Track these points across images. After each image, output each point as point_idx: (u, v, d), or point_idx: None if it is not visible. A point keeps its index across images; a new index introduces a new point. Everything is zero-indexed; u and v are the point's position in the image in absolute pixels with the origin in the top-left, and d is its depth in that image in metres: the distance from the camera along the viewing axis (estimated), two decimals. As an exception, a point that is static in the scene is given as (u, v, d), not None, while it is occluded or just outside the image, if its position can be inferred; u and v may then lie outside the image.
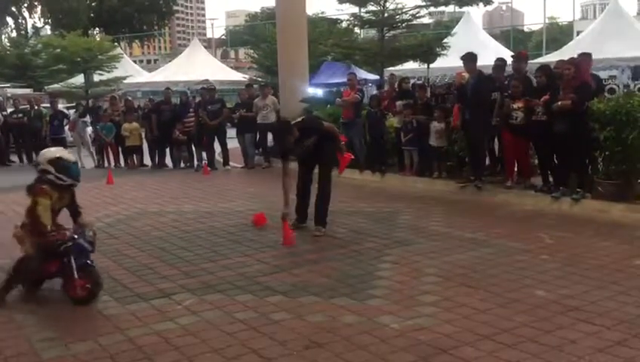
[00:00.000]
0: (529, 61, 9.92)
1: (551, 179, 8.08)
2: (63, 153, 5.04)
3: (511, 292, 4.71)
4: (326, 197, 6.93)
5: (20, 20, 54.08)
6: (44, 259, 4.79)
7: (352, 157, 7.75)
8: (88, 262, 4.86)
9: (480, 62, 8.86)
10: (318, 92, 17.32)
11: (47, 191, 4.80)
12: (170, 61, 36.77)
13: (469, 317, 4.24)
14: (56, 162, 4.86)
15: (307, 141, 6.76)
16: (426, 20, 23.94)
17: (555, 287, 4.78)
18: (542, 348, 3.70)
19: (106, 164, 14.39)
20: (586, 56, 8.24)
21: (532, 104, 7.93)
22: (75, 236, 4.84)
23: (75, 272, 4.70)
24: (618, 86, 18.60)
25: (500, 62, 9.06)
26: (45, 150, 5.16)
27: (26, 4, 53.00)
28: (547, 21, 43.85)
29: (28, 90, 27.36)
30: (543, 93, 7.84)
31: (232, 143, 13.51)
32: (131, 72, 29.72)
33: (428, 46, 20.14)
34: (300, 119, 7.18)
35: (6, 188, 11.33)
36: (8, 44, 32.14)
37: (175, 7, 67.28)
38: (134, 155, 14.10)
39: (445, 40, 20.92)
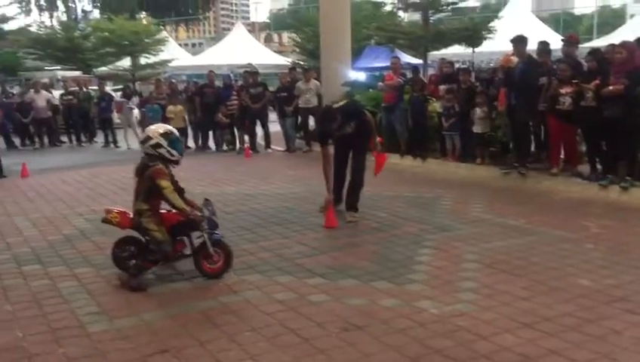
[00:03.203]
0: (579, 45, 9.62)
1: (599, 166, 7.86)
2: (170, 127, 4.95)
3: (553, 280, 4.63)
4: (358, 185, 6.84)
5: (70, 4, 55.37)
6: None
7: (387, 158, 7.56)
8: (217, 234, 4.92)
9: (528, 47, 8.65)
10: (361, 76, 17.21)
11: (165, 172, 4.70)
12: (214, 44, 37.07)
13: (509, 304, 4.19)
14: (168, 136, 4.78)
15: (347, 127, 6.71)
16: (473, 3, 23.44)
17: (599, 277, 4.67)
18: (584, 338, 3.63)
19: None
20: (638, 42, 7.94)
21: (582, 88, 7.70)
22: (207, 212, 4.87)
23: (211, 247, 4.81)
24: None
25: (544, 46, 8.78)
26: (152, 126, 5.00)
27: (75, -12, 54.21)
28: (599, 4, 42.42)
29: (77, 73, 28.08)
30: (593, 78, 7.60)
31: (274, 127, 13.57)
32: (176, 55, 30.12)
33: (474, 29, 19.78)
34: (342, 103, 7.12)
35: (54, 168, 11.72)
36: (59, 28, 32.86)
37: (219, -9, 67.69)
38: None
39: (492, 23, 20.50)
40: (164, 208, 4.90)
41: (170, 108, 14.02)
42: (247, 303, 4.35)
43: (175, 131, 4.94)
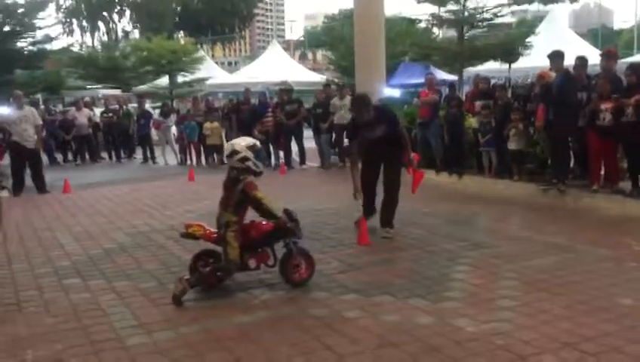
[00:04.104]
0: (618, 59, 9.44)
1: (641, 183, 7.66)
2: (255, 140, 5.06)
3: (595, 299, 4.51)
4: (393, 201, 6.74)
5: (110, 25, 56.97)
6: (249, 254, 4.93)
7: (425, 174, 7.49)
8: (297, 242, 5.05)
9: (566, 62, 8.55)
10: (396, 93, 17.20)
11: (256, 184, 4.87)
12: (249, 62, 37.57)
13: (549, 323, 4.09)
14: (253, 148, 4.91)
15: (378, 128, 6.55)
16: (508, 19, 23.23)
17: (643, 296, 4.54)
18: (627, 359, 3.53)
19: (188, 162, 14.91)
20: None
21: (622, 104, 7.55)
22: (292, 221, 4.97)
23: (297, 256, 4.98)
24: None
25: (581, 61, 8.64)
26: (236, 139, 5.12)
27: (116, 10, 55.75)
28: (639, 18, 41.58)
29: (117, 91, 28.79)
30: (632, 93, 7.45)
31: (309, 143, 13.65)
32: (213, 73, 30.59)
33: (509, 45, 19.59)
34: (378, 102, 7.12)
35: (95, 183, 12.00)
36: (100, 48, 33.82)
37: (255, 10, 68.75)
38: (215, 154, 14.54)
39: (528, 39, 20.29)
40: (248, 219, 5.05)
41: (207, 125, 14.26)
42: (283, 318, 4.36)
43: (258, 143, 5.06)
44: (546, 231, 6.65)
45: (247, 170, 4.86)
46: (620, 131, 7.66)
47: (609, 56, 8.44)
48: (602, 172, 8.25)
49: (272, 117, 13.51)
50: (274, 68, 28.26)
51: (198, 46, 34.63)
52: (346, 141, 13.34)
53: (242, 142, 4.94)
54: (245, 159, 4.84)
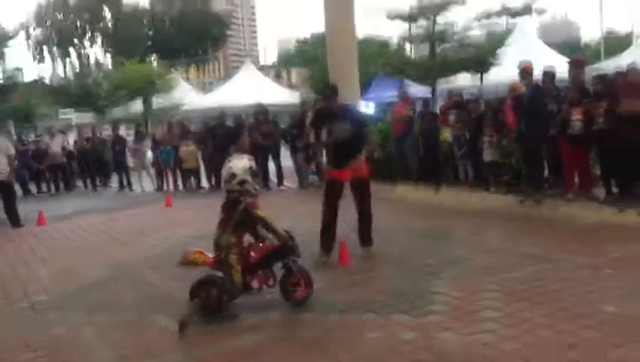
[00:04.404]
0: (586, 67, 9.64)
1: (615, 189, 7.80)
2: (253, 163, 5.12)
3: (576, 307, 4.56)
4: (369, 217, 6.61)
5: (81, 51, 56.61)
6: (251, 275, 4.93)
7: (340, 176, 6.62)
8: (296, 261, 5.09)
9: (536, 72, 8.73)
10: (370, 107, 17.30)
11: (257, 205, 4.94)
12: (224, 84, 37.55)
13: (532, 332, 4.13)
14: (251, 171, 4.99)
15: (343, 123, 6.30)
16: (478, 32, 23.62)
17: (621, 302, 4.60)
18: (610, 365, 3.57)
19: (165, 188, 14.80)
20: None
21: (592, 108, 7.67)
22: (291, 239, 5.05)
23: (297, 274, 5.02)
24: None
25: (548, 74, 8.80)
26: (232, 162, 5.10)
27: (87, 36, 55.50)
28: (604, 31, 42.56)
29: (90, 118, 28.52)
30: (600, 101, 7.61)
31: (287, 162, 13.65)
32: (188, 96, 30.52)
33: (480, 58, 19.90)
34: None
35: (70, 214, 11.82)
36: (72, 75, 33.61)
37: (228, 32, 68.97)
38: (192, 178, 14.45)
39: (498, 51, 20.64)
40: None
41: (183, 148, 14.18)
42: (270, 343, 4.33)
43: (254, 165, 5.13)
44: (524, 242, 6.72)
45: (246, 192, 4.91)
46: (591, 139, 7.81)
47: (577, 64, 8.61)
48: (576, 180, 8.38)
49: (249, 138, 13.49)
50: (249, 88, 28.26)
51: (172, 69, 34.54)
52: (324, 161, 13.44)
53: (240, 164, 5.00)
54: (244, 182, 4.92)
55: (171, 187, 14.78)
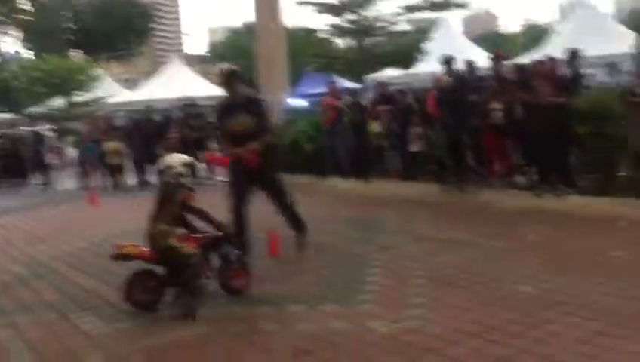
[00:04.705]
0: (507, 61, 10.02)
1: (533, 176, 8.15)
2: (190, 158, 5.07)
3: (497, 290, 4.75)
4: (286, 207, 6.27)
5: (-3, 44, 53.80)
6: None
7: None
8: (233, 251, 5.08)
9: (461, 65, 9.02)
10: (300, 103, 17.38)
11: (194, 198, 4.91)
12: (150, 79, 36.64)
13: (456, 316, 4.26)
14: (189, 165, 4.93)
15: (245, 115, 5.86)
16: (405, 27, 24.14)
17: (539, 282, 4.82)
18: (528, 343, 3.72)
19: (89, 185, 14.30)
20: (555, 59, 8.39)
21: (511, 98, 7.98)
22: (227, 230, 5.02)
23: (236, 263, 5.02)
24: (598, 83, 18.83)
25: (470, 66, 9.14)
26: (172, 155, 5.06)
27: (3, 28, 52.79)
28: (524, 22, 44.37)
29: (9, 115, 27.19)
30: (519, 91, 7.93)
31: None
32: (112, 91, 29.59)
33: (407, 52, 20.35)
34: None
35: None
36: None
37: (153, 25, 67.21)
38: (117, 174, 14.04)
39: (424, 45, 21.14)
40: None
41: (108, 144, 13.76)
42: (198, 338, 4.26)
43: (193, 160, 5.07)
44: (449, 229, 6.93)
45: (182, 185, 4.85)
46: (511, 128, 8.13)
47: (497, 58, 8.96)
48: (498, 168, 8.71)
49: (177, 133, 13.23)
50: (176, 83, 27.69)
51: (95, 63, 33.34)
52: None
53: (177, 159, 4.94)
54: (180, 175, 4.84)
55: (95, 184, 14.29)
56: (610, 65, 18.70)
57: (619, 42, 17.76)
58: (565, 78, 7.85)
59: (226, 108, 6.06)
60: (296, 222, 6.46)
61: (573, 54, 8.74)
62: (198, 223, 5.08)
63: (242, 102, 5.96)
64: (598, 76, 19.61)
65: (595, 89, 9.52)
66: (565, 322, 3.99)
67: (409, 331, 4.05)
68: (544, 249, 5.80)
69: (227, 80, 6.05)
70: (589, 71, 20.83)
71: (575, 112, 7.61)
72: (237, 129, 5.90)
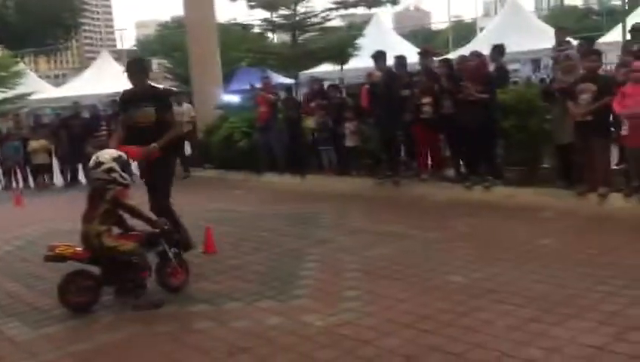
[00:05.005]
0: (437, 58, 10.25)
1: (463, 169, 8.38)
2: (122, 153, 4.91)
3: (429, 280, 4.86)
4: (162, 211, 5.59)
5: None
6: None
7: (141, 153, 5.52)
8: (170, 247, 4.97)
9: (391, 61, 9.14)
10: (234, 98, 17.20)
11: (127, 194, 4.77)
12: (78, 75, 35.44)
13: (390, 307, 4.33)
14: (120, 160, 4.77)
15: (147, 108, 5.57)
16: (338, 23, 24.29)
17: (470, 272, 4.96)
18: (460, 331, 3.82)
19: (14, 185, 13.68)
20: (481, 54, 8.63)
21: (440, 93, 8.16)
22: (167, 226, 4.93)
23: (174, 259, 4.93)
24: (521, 78, 19.56)
25: (400, 60, 9.30)
26: (103, 151, 4.92)
27: None
28: (452, 19, 45.59)
29: None
30: (448, 86, 8.13)
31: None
32: (38, 88, 28.41)
33: (340, 47, 20.49)
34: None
35: None
36: None
37: (81, 20, 64.90)
38: (43, 174, 13.48)
39: (357, 41, 21.34)
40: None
41: (33, 143, 13.20)
42: (128, 341, 4.15)
43: (125, 155, 4.89)
44: (384, 221, 7.04)
45: (114, 181, 4.73)
46: (441, 122, 8.32)
47: (426, 54, 9.15)
48: (429, 161, 8.91)
49: (107, 130, 12.82)
50: (106, 79, 26.90)
51: (18, 59, 31.87)
52: (187, 150, 13.16)
53: (107, 154, 4.81)
54: (111, 170, 4.72)
55: (20, 185, 13.69)
56: (534, 60, 19.50)
57: (541, 38, 18.48)
58: (490, 73, 8.09)
59: (131, 99, 5.76)
60: (176, 226, 5.68)
61: (498, 49, 9.04)
62: (136, 221, 4.96)
63: (148, 95, 5.72)
64: (521, 71, 20.45)
65: (522, 84, 9.85)
66: (496, 310, 4.12)
67: (344, 324, 4.09)
68: (474, 239, 5.99)
69: (133, 71, 5.83)
70: (513, 66, 21.75)
71: (500, 107, 7.87)
72: (142, 121, 5.61)
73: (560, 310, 4.03)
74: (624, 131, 6.55)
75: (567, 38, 11.26)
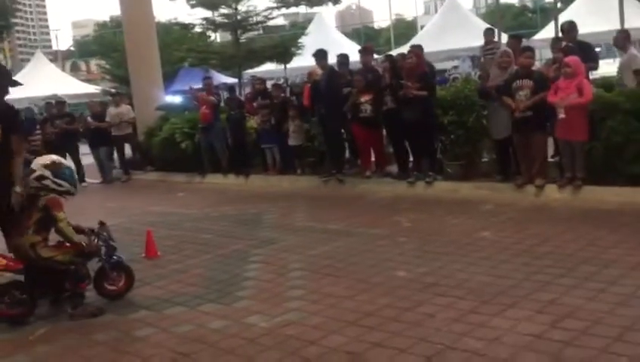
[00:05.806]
0: (378, 56, 10.37)
1: (405, 165, 8.48)
2: (58, 158, 4.75)
3: (373, 276, 4.88)
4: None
5: None
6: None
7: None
8: (116, 257, 4.87)
9: (333, 60, 9.18)
10: (176, 99, 16.91)
11: (61, 203, 4.55)
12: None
13: (334, 306, 4.33)
14: (52, 166, 4.57)
15: None
16: (281, 22, 24.27)
17: (413, 266, 5.02)
18: (403, 326, 3.85)
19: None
20: (417, 49, 8.76)
21: (379, 91, 8.22)
22: (102, 237, 4.78)
23: (110, 272, 4.82)
24: (461, 75, 19.99)
25: (342, 59, 9.33)
26: (38, 158, 4.74)
27: None
28: (393, 18, 46.23)
29: None
30: (390, 82, 8.21)
31: (88, 159, 12.79)
32: (-33, 91, 27.18)
33: (283, 46, 20.44)
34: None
35: None
36: None
37: (14, 20, 62.43)
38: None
39: (300, 40, 21.34)
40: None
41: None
42: (65, 351, 3.99)
43: (63, 161, 4.72)
44: (328, 220, 7.04)
45: (46, 188, 4.53)
46: (383, 119, 8.39)
47: (366, 52, 9.22)
48: (373, 158, 8.98)
49: (41, 134, 12.36)
50: (40, 81, 25.97)
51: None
52: (128, 152, 12.85)
53: (40, 161, 4.63)
54: (42, 178, 4.53)
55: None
56: (472, 57, 19.95)
57: (479, 36, 18.92)
58: (428, 71, 8.21)
59: None
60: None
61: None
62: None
63: None
64: (461, 68, 20.90)
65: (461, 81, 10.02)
66: (438, 303, 4.18)
67: (289, 324, 4.06)
68: (418, 234, 6.06)
69: None
70: (453, 63, 22.19)
71: (439, 103, 8.01)
72: None
73: (499, 300, 4.12)
74: (561, 115, 6.62)
75: (495, 39, 11.83)
